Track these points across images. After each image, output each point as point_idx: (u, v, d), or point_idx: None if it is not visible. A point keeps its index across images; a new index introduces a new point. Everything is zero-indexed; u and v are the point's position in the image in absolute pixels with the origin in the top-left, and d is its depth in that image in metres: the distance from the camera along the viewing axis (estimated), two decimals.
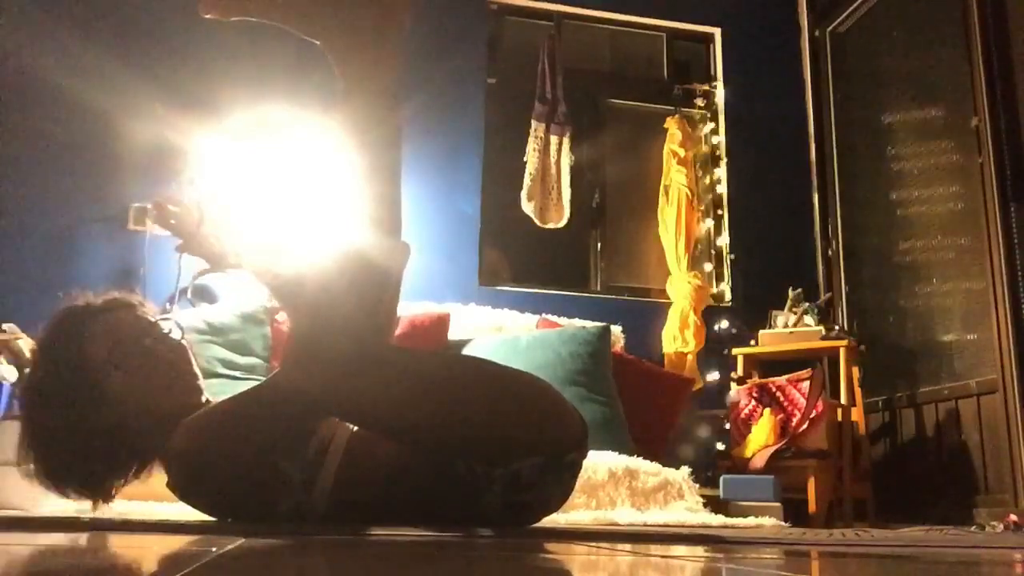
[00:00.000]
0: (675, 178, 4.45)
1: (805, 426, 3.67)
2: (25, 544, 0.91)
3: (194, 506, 1.46)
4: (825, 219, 4.71)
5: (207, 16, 1.37)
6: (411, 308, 3.63)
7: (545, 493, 1.42)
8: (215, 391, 1.58)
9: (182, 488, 1.43)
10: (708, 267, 4.62)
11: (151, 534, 1.22)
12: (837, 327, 4.18)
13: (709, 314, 4.33)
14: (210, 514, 1.46)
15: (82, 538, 1.04)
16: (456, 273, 4.17)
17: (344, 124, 1.36)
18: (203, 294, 3.68)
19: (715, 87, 4.82)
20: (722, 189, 4.70)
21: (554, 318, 3.85)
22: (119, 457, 1.45)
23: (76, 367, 1.42)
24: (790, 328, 4.11)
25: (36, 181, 3.79)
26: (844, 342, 3.92)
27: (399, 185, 1.39)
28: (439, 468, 1.36)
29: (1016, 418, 3.43)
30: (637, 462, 2.86)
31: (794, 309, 4.14)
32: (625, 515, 2.56)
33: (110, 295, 1.53)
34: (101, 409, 1.41)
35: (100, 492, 1.46)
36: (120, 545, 0.97)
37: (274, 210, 1.50)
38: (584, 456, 1.46)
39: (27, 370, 1.46)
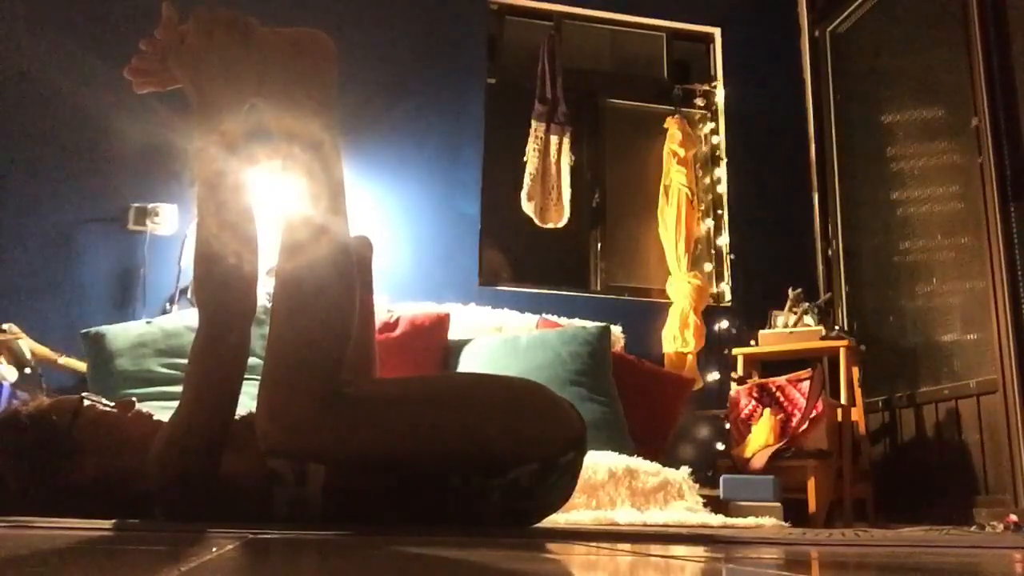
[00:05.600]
0: (675, 178, 4.45)
1: (805, 426, 3.67)
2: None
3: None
4: (825, 219, 4.71)
5: (142, 92, 1.41)
6: (411, 308, 3.64)
7: (545, 497, 1.40)
8: None
9: (181, 512, 1.41)
10: (708, 267, 4.62)
11: (153, 534, 1.22)
12: (837, 327, 4.18)
13: (709, 314, 4.34)
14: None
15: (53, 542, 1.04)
16: (456, 273, 4.17)
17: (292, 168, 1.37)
18: None
19: (715, 87, 4.82)
20: (722, 189, 4.70)
21: (554, 318, 3.85)
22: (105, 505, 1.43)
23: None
24: (790, 328, 4.11)
25: (36, 181, 3.80)
26: (844, 342, 3.93)
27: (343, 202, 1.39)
28: (433, 483, 1.34)
29: (1016, 418, 3.43)
30: (637, 462, 2.87)
31: (794, 309, 4.14)
32: (625, 515, 2.57)
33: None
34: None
35: None
36: (123, 546, 0.97)
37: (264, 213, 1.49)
38: (583, 455, 1.44)
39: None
